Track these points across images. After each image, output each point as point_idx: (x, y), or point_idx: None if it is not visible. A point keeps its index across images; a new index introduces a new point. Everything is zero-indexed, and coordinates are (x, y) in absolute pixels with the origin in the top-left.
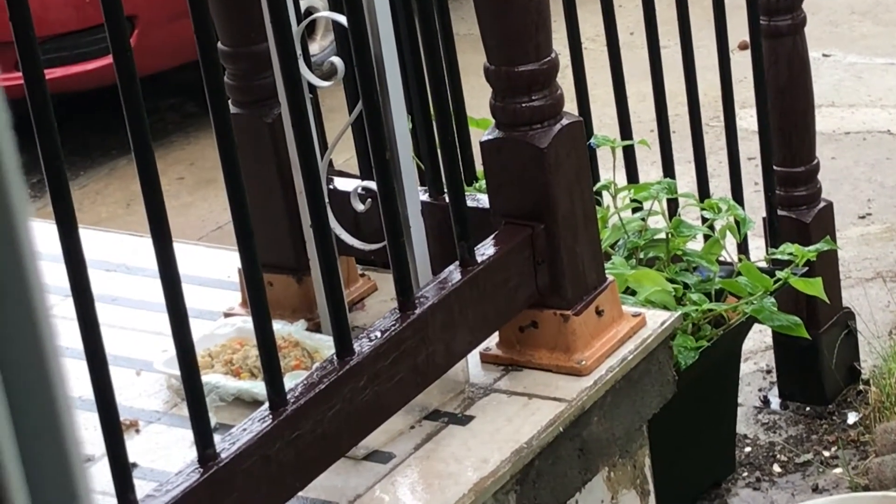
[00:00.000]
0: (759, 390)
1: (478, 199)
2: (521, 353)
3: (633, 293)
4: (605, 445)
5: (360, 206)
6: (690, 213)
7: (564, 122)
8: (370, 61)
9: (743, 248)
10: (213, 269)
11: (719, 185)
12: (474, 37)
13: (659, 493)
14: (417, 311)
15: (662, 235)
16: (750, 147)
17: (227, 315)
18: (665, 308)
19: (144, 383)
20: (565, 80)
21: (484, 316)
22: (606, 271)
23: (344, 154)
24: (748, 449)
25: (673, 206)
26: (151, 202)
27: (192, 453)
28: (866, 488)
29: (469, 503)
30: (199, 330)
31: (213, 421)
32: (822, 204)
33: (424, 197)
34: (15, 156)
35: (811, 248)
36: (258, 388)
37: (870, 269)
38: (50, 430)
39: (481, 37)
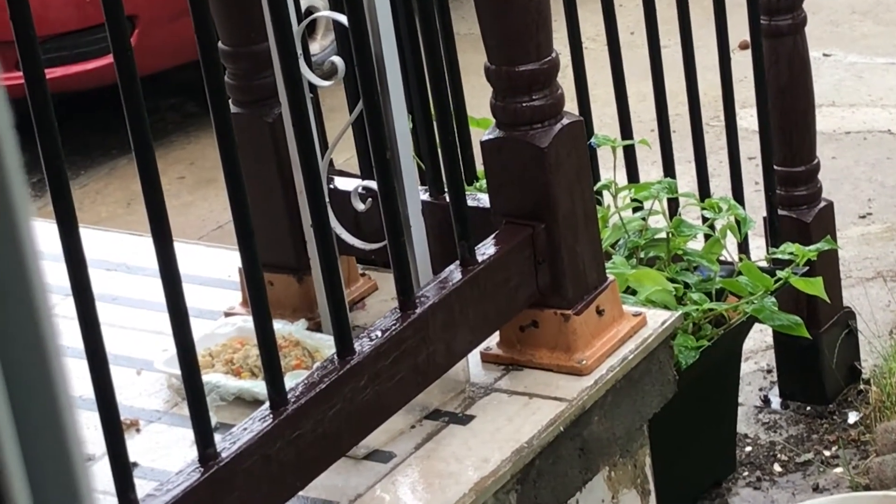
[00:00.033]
0: (760, 390)
1: (478, 198)
2: (521, 352)
3: (634, 293)
4: (605, 445)
5: (360, 206)
6: (691, 212)
7: (565, 121)
8: (370, 61)
9: (743, 247)
10: (214, 268)
11: (720, 184)
12: (475, 36)
13: (659, 493)
14: (418, 311)
15: (663, 235)
16: (750, 146)
17: (227, 314)
18: (666, 308)
19: (145, 382)
20: (566, 79)
21: (484, 315)
22: (607, 271)
23: (344, 153)
24: (749, 448)
25: (673, 205)
26: (152, 201)
27: (192, 453)
28: (867, 488)
29: (470, 503)
30: (199, 329)
31: (214, 420)
32: (823, 203)
33: (425, 196)
34: (16, 155)
35: (812, 247)
36: (259, 387)
37: (870, 268)
38: (51, 428)
39: (482, 36)
